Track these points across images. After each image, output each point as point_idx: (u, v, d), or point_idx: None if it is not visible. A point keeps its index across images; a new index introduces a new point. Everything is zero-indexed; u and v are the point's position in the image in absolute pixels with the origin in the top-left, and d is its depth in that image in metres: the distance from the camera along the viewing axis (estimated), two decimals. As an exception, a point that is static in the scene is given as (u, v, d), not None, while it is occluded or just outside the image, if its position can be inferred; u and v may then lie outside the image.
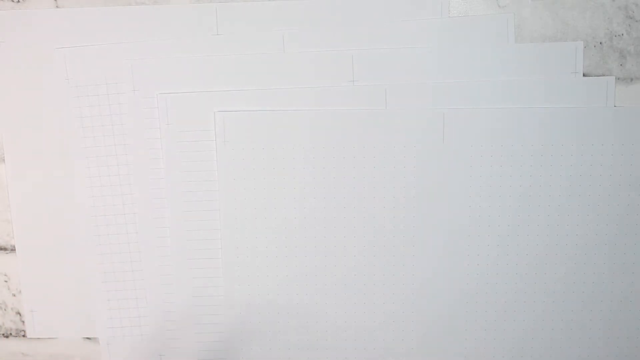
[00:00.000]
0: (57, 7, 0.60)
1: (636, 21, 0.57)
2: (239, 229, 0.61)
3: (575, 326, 0.61)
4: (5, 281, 0.66)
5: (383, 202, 0.60)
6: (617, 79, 0.58)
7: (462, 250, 0.60)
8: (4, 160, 0.63)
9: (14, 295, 0.66)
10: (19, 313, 0.66)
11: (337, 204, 0.60)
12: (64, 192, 0.62)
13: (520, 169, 0.59)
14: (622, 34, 0.57)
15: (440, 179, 0.59)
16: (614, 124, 0.57)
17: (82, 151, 0.61)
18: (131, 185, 0.62)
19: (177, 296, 0.63)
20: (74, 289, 0.64)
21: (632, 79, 0.58)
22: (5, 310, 0.66)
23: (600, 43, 0.57)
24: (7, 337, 0.67)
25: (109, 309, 0.64)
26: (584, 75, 0.58)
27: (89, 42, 0.60)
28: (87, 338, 0.66)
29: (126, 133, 0.61)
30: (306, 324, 0.63)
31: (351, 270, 0.62)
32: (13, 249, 0.65)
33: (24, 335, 0.67)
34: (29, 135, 0.62)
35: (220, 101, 0.59)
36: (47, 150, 0.62)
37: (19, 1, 0.60)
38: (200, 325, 0.63)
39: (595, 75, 0.58)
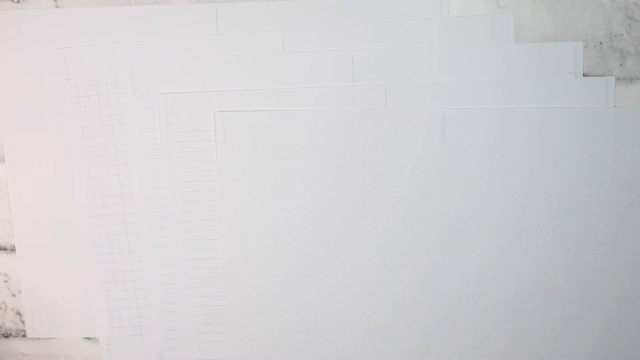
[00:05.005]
0: (57, 7, 0.60)
1: (636, 21, 0.57)
2: (239, 229, 0.61)
3: (575, 326, 0.61)
4: (5, 281, 0.66)
5: (383, 202, 0.60)
6: (617, 79, 0.58)
7: (462, 250, 0.60)
8: (4, 160, 0.63)
9: (14, 295, 0.66)
10: (19, 313, 0.66)
11: (337, 204, 0.60)
12: (64, 192, 0.62)
13: (520, 169, 0.59)
14: (622, 34, 0.57)
15: (440, 179, 0.59)
16: (614, 124, 0.57)
17: (82, 151, 0.62)
18: (131, 185, 0.62)
19: (177, 296, 0.63)
20: (74, 289, 0.64)
21: (632, 79, 0.58)
22: (5, 310, 0.66)
23: (600, 43, 0.57)
24: (7, 337, 0.67)
25: (109, 309, 0.64)
26: (584, 75, 0.58)
27: (89, 42, 0.60)
28: (87, 338, 0.66)
29: (126, 133, 0.61)
30: (306, 324, 0.63)
31: (351, 270, 0.62)
32: (13, 249, 0.65)
33: (24, 335, 0.67)
34: (29, 135, 0.62)
35: (220, 101, 0.59)
36: (47, 150, 0.62)
37: (19, 1, 0.60)
38: (200, 325, 0.64)
39: (595, 75, 0.58)
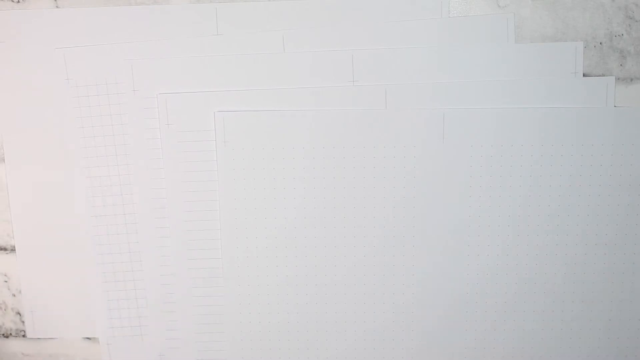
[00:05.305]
0: (57, 7, 0.60)
1: (636, 21, 0.57)
2: (239, 229, 0.61)
3: (575, 326, 0.61)
4: (5, 281, 0.66)
5: (383, 202, 0.60)
6: (617, 79, 0.58)
7: (462, 250, 0.60)
8: (4, 160, 0.63)
9: (14, 295, 0.66)
10: (19, 313, 0.66)
11: (337, 204, 0.60)
12: (64, 193, 0.62)
13: (520, 169, 0.59)
14: (622, 34, 0.57)
15: (440, 179, 0.59)
16: (614, 124, 0.57)
17: (82, 151, 0.62)
18: (131, 185, 0.62)
19: (177, 296, 0.63)
20: (74, 289, 0.64)
21: (632, 79, 0.58)
22: (5, 310, 0.66)
23: (600, 43, 0.57)
24: (7, 337, 0.67)
25: (109, 309, 0.64)
26: (584, 75, 0.58)
27: (89, 42, 0.60)
28: (87, 338, 0.66)
29: (126, 133, 0.61)
30: (306, 324, 0.63)
31: (351, 270, 0.62)
32: (13, 249, 0.65)
33: (24, 335, 0.67)
34: (29, 135, 0.62)
35: (220, 101, 0.59)
36: (47, 150, 0.62)
37: (19, 1, 0.60)
38: (200, 325, 0.63)
39: (595, 75, 0.58)
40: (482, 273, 0.61)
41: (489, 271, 0.61)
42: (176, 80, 0.59)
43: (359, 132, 0.59)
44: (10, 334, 0.67)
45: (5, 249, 0.65)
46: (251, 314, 0.63)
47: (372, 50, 0.58)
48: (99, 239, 0.63)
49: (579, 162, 0.58)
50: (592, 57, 0.58)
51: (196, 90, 0.59)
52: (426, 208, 0.60)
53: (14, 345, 0.67)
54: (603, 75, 0.58)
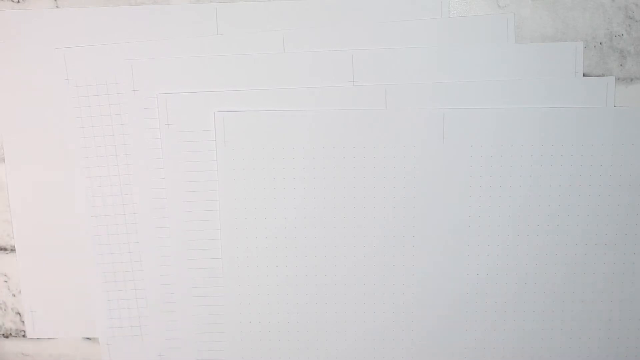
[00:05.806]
0: (57, 7, 0.60)
1: (636, 21, 0.57)
2: (239, 229, 0.61)
3: (575, 326, 0.61)
4: (5, 281, 0.66)
5: (383, 202, 0.60)
6: (617, 79, 0.58)
7: (462, 250, 0.60)
8: (4, 160, 0.63)
9: (14, 295, 0.66)
10: (19, 313, 0.66)
11: (337, 204, 0.60)
12: (64, 193, 0.62)
13: (520, 169, 0.59)
14: (622, 34, 0.57)
15: (440, 179, 0.59)
16: (614, 124, 0.57)
17: (82, 151, 0.62)
18: (131, 185, 0.62)
19: (177, 296, 0.63)
20: (74, 289, 0.64)
21: (632, 79, 0.58)
22: (5, 310, 0.66)
23: (600, 43, 0.57)
24: (7, 337, 0.67)
25: (109, 309, 0.64)
26: (584, 75, 0.58)
27: (89, 42, 0.60)
28: (87, 338, 0.66)
29: (126, 133, 0.61)
30: (306, 324, 0.63)
31: (351, 270, 0.62)
32: (13, 249, 0.65)
33: (24, 335, 0.67)
34: (29, 135, 0.62)
35: (220, 101, 0.59)
36: (47, 150, 0.62)
37: (19, 1, 0.60)
38: (200, 325, 0.64)
39: (595, 76, 0.58)
40: (482, 273, 0.61)
41: (489, 271, 0.61)
42: (176, 80, 0.59)
43: (359, 132, 0.59)
44: (10, 334, 0.67)
45: (5, 249, 0.65)
46: (251, 314, 0.63)
47: (372, 50, 0.58)
48: (99, 239, 0.63)
49: (579, 162, 0.58)
50: (592, 57, 0.58)
51: (196, 90, 0.59)
52: (426, 208, 0.60)
53: (14, 345, 0.67)
54: (603, 75, 0.58)
